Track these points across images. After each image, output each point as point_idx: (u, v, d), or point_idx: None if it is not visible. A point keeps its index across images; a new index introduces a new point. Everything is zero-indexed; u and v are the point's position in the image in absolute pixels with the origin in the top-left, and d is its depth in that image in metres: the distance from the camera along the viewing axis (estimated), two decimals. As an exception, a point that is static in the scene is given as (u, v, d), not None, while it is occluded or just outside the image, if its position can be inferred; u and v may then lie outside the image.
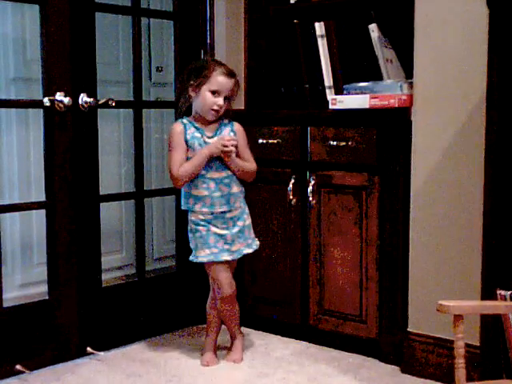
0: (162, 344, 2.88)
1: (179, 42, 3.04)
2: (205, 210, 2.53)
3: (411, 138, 2.49)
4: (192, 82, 2.53)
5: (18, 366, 2.50)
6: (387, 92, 2.60)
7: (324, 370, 2.59)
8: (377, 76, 2.77)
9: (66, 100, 2.55)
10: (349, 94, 2.73)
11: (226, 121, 2.61)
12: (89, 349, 2.70)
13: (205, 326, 2.78)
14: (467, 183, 2.34)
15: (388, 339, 2.62)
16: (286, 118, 2.87)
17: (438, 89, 2.41)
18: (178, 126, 2.55)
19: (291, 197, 2.82)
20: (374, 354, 2.68)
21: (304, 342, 2.88)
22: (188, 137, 2.53)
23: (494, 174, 1.95)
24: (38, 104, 2.57)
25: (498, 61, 1.90)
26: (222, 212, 2.54)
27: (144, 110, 2.96)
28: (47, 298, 2.64)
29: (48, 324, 2.61)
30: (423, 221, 2.48)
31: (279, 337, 2.96)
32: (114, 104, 2.71)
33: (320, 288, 2.79)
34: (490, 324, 1.96)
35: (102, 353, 2.71)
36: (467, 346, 1.78)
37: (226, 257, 2.56)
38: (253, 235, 2.66)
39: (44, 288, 2.67)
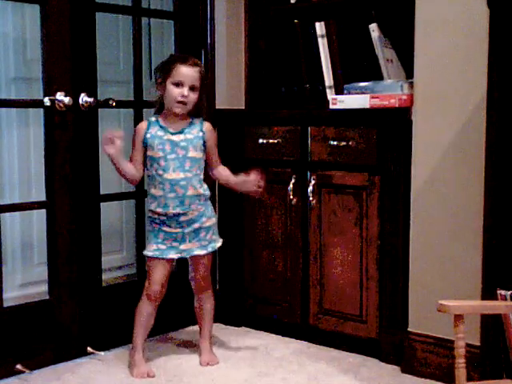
0: (161, 344, 2.88)
1: (179, 42, 3.05)
2: (159, 210, 2.51)
3: (411, 138, 2.49)
4: (158, 80, 2.53)
5: (19, 366, 2.50)
6: (387, 92, 2.60)
7: (324, 369, 2.59)
8: (377, 76, 2.77)
9: (67, 100, 2.55)
10: (349, 93, 2.73)
11: (197, 121, 2.56)
12: (89, 348, 2.70)
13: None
14: (467, 183, 2.34)
15: (388, 339, 2.62)
16: (286, 118, 2.86)
17: (438, 89, 2.41)
18: (140, 125, 2.56)
19: (291, 197, 2.82)
20: (374, 354, 2.68)
21: (304, 342, 2.88)
22: (148, 135, 2.51)
23: (494, 173, 1.95)
24: (38, 104, 2.57)
25: (498, 61, 1.90)
26: (175, 215, 2.50)
27: (144, 110, 2.96)
28: (47, 297, 2.64)
29: (48, 324, 2.61)
30: (423, 221, 2.48)
31: (279, 336, 2.95)
32: (114, 104, 2.71)
33: (320, 288, 2.79)
34: (491, 324, 1.96)
35: (102, 353, 2.71)
36: (467, 345, 1.78)
37: (173, 255, 2.54)
38: (212, 237, 2.59)
39: (44, 288, 2.67)
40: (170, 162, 2.49)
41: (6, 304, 2.51)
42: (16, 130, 3.11)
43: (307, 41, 2.95)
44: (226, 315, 3.02)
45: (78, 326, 2.69)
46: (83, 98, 2.62)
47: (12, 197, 3.07)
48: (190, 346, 2.86)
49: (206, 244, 2.58)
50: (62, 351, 2.65)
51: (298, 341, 2.89)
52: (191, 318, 3.06)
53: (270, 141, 2.88)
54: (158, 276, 2.54)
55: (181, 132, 2.52)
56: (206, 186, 2.57)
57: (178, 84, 2.47)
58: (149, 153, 2.51)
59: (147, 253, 2.55)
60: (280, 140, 2.86)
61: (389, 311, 2.61)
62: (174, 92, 2.47)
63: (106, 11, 2.85)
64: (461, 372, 1.71)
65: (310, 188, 2.77)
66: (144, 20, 3.24)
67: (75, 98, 2.59)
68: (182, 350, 2.82)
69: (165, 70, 2.50)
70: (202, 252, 2.57)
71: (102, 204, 2.77)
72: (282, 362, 2.67)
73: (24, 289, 3.06)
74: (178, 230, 2.52)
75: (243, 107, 3.16)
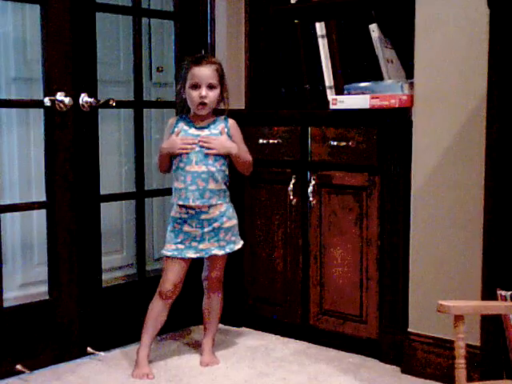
0: (162, 344, 2.88)
1: (180, 42, 3.05)
2: (180, 202, 2.52)
3: (411, 138, 2.50)
4: (180, 86, 2.56)
5: (19, 366, 2.50)
6: (388, 92, 2.60)
7: (324, 369, 2.59)
8: (377, 76, 2.77)
9: (67, 100, 2.55)
10: (349, 94, 2.73)
11: (221, 118, 2.60)
12: (89, 349, 2.70)
13: (205, 325, 2.78)
14: (467, 183, 2.34)
15: (388, 339, 2.62)
16: (286, 118, 2.86)
17: (438, 89, 2.41)
18: (170, 120, 2.62)
19: (292, 197, 2.82)
20: (374, 354, 2.68)
21: (304, 342, 2.88)
22: (175, 130, 2.55)
23: (494, 173, 1.95)
24: (38, 104, 2.57)
25: (498, 61, 1.90)
26: (196, 212, 2.51)
27: (144, 110, 2.96)
28: (47, 297, 2.64)
29: (48, 324, 2.61)
30: (423, 221, 2.48)
31: (279, 337, 2.96)
32: (114, 104, 2.70)
33: (320, 288, 2.79)
34: (491, 324, 1.96)
35: (102, 353, 2.71)
36: (467, 346, 1.78)
37: (191, 255, 2.55)
38: (231, 238, 2.60)
39: (44, 288, 2.67)
40: (193, 154, 2.51)
41: (6, 304, 2.51)
42: (16, 130, 3.11)
43: (307, 41, 2.95)
44: (226, 315, 3.01)
45: (78, 326, 2.69)
46: (83, 98, 2.62)
47: (12, 197, 3.07)
48: (192, 345, 2.86)
49: (224, 245, 2.58)
50: (62, 351, 2.65)
51: (298, 341, 2.90)
52: (191, 318, 3.07)
53: (270, 141, 2.88)
54: (173, 275, 2.55)
55: (206, 127, 2.56)
56: (227, 183, 2.59)
57: (195, 86, 2.50)
58: None
59: (166, 252, 2.55)
60: (280, 140, 2.86)
61: (389, 311, 2.61)
62: (193, 95, 2.51)
63: (106, 11, 2.85)
64: (461, 372, 1.71)
65: (310, 188, 2.77)
66: (144, 20, 3.24)
67: (75, 98, 2.60)
68: (184, 349, 2.82)
69: (182, 75, 2.54)
70: (220, 252, 2.58)
71: (102, 204, 2.77)
72: (281, 362, 2.67)
73: (24, 289, 3.06)
74: (198, 229, 2.53)
75: (243, 107, 3.16)
